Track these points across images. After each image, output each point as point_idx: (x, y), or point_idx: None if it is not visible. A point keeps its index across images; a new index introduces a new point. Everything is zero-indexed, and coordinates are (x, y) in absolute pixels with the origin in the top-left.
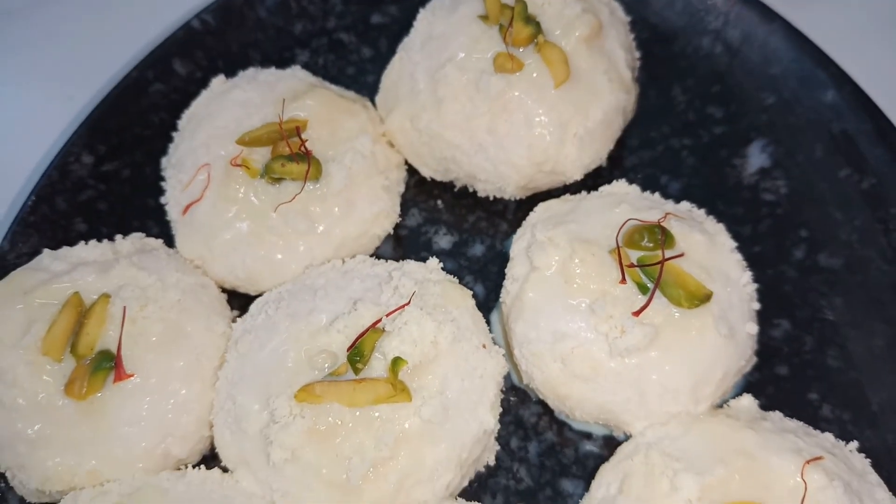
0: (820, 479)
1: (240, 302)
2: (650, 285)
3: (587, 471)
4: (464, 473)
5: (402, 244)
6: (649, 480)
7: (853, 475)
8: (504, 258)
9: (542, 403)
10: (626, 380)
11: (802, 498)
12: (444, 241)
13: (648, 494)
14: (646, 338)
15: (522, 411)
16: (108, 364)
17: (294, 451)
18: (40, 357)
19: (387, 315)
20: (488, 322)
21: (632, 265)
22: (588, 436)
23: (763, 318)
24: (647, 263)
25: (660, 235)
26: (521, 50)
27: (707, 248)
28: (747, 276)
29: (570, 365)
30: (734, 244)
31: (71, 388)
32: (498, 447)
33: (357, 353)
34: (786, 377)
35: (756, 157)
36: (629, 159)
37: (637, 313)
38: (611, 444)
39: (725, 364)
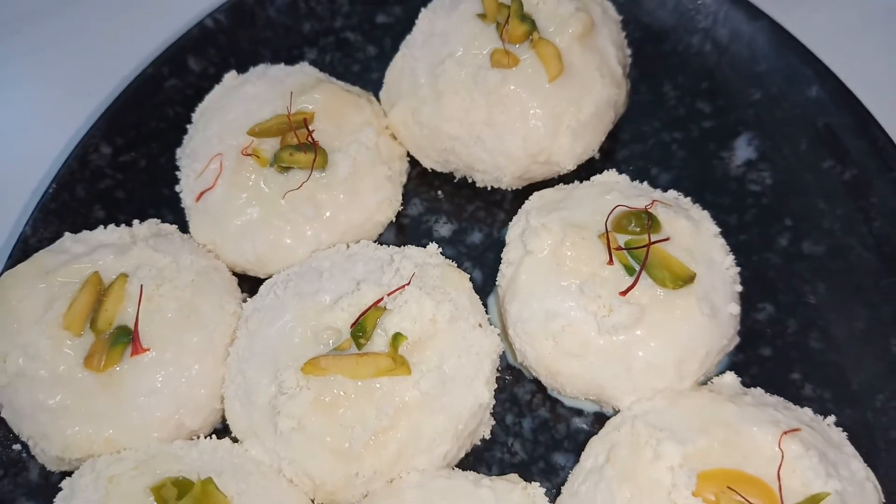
0: (797, 448)
1: (249, 285)
2: (637, 267)
3: (578, 445)
4: (461, 445)
5: (404, 232)
6: (634, 450)
7: (829, 446)
8: (501, 245)
9: (536, 382)
10: (614, 356)
11: (779, 466)
12: (444, 229)
13: (633, 463)
14: (632, 316)
15: (517, 389)
16: (126, 339)
17: (300, 420)
18: (61, 332)
19: (388, 294)
20: (486, 305)
21: (619, 248)
22: (579, 412)
23: (748, 302)
24: (635, 247)
25: (646, 220)
26: (517, 46)
27: (692, 233)
28: (730, 259)
29: (561, 342)
30: (718, 230)
31: (90, 361)
32: (493, 422)
33: (360, 329)
34: (769, 358)
35: (743, 150)
36: (621, 152)
37: (624, 293)
38: (601, 420)
39: (708, 342)
